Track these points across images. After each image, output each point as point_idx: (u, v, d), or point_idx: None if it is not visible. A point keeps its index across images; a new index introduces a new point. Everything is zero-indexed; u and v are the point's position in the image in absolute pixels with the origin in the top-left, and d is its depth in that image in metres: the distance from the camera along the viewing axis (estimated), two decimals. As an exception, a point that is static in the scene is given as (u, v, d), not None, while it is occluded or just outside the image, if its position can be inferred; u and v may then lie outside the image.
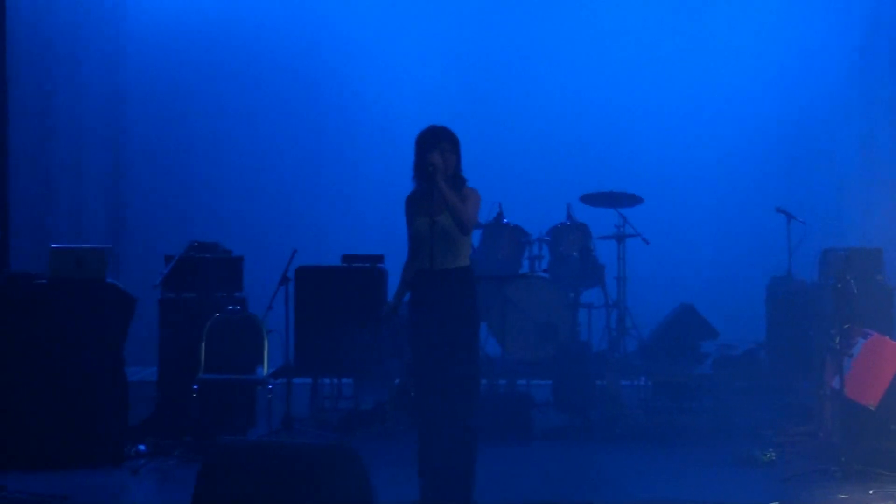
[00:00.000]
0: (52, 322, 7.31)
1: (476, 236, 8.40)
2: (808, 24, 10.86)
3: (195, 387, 7.43)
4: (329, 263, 8.79)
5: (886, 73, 10.71)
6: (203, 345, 7.61)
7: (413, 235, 6.06)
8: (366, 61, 11.13)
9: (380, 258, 8.68)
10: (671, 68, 11.02)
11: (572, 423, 8.41)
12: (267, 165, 11.17)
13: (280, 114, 11.15)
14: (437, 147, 5.91)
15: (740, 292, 10.10)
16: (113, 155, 11.06)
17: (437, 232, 5.89)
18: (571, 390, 8.44)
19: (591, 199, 9.38)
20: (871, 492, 6.55)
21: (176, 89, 11.04)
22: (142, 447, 7.50)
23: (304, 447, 4.42)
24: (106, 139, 11.02)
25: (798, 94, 10.81)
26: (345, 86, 11.13)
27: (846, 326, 7.26)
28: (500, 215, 9.22)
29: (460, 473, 5.85)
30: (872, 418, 7.11)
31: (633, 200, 9.31)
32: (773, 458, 7.32)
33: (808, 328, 8.59)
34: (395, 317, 6.25)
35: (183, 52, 11.04)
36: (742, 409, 8.36)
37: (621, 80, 11.04)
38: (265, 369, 7.69)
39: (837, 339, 7.26)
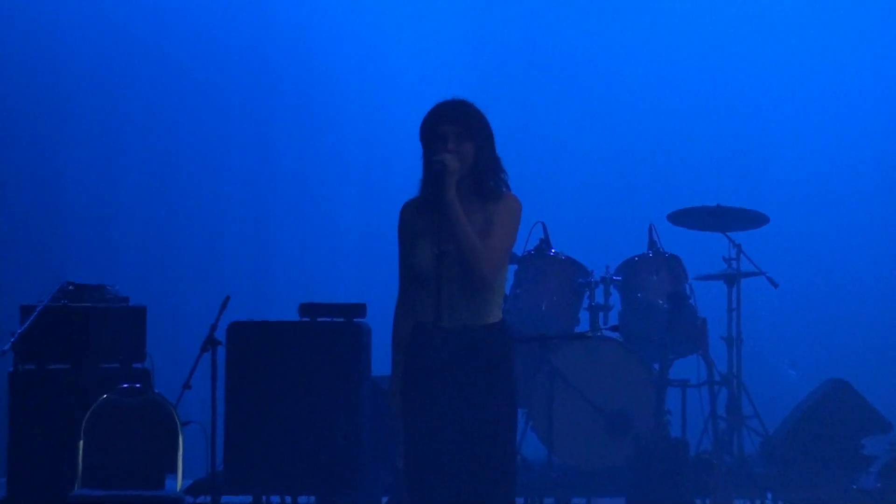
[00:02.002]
0: None
1: (508, 274, 7.83)
2: None
3: (67, 509, 7.26)
4: (279, 318, 8.62)
5: None
6: (81, 444, 7.55)
7: (410, 269, 5.73)
8: (343, 27, 11.38)
9: (359, 309, 8.45)
10: (805, 34, 11.18)
11: (657, 565, 8.20)
12: (182, 176, 11.28)
13: (205, 109, 11.35)
14: (441, 134, 5.63)
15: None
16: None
17: (450, 268, 5.56)
18: (657, 514, 8.36)
19: (685, 219, 9.30)
20: None
21: (40, 83, 11.23)
22: None
23: None
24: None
25: None
26: (309, 56, 11.43)
27: None
28: (544, 242, 9.24)
29: None
30: None
31: (752, 221, 9.26)
32: None
33: None
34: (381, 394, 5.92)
35: (45, 36, 11.22)
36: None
37: (731, 48, 11.15)
38: (178, 482, 7.64)
39: None
